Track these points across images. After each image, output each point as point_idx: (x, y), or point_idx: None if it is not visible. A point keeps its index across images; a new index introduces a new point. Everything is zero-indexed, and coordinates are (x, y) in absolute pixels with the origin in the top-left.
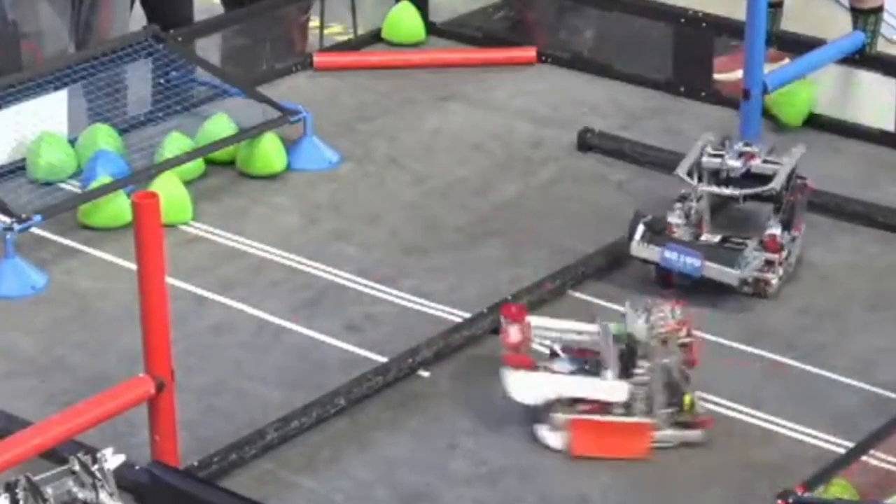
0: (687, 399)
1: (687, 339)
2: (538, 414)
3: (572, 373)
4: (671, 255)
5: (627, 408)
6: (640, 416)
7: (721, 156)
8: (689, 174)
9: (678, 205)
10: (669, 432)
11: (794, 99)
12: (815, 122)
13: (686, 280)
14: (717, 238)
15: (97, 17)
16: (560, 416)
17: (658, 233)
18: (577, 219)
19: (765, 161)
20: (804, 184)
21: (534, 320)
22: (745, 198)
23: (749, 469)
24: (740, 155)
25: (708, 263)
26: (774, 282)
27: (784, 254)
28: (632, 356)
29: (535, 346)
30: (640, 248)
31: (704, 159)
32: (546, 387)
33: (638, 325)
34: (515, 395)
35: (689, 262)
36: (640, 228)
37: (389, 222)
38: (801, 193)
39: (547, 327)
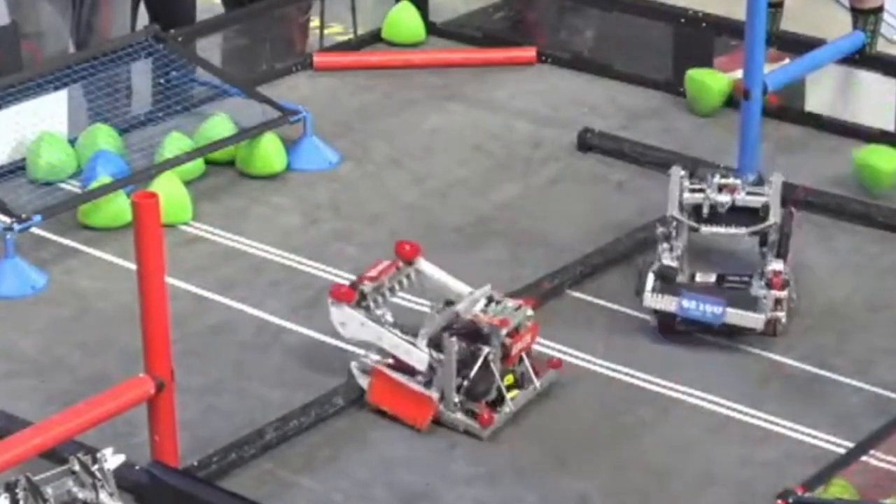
0: (508, 379)
1: (507, 339)
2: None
3: (392, 324)
4: (689, 305)
5: (429, 378)
6: (436, 391)
7: (701, 190)
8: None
9: (665, 245)
10: (459, 416)
11: (709, 91)
12: (815, 122)
13: (693, 326)
14: (712, 278)
15: (98, 18)
16: (369, 360)
17: (669, 281)
18: (577, 219)
19: (748, 193)
20: (791, 212)
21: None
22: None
23: (749, 469)
24: (721, 188)
25: (731, 310)
26: (784, 320)
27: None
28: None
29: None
30: (654, 300)
31: (685, 195)
32: (362, 329)
33: (466, 306)
34: (337, 327)
35: (711, 310)
36: (651, 278)
37: (389, 222)
38: (789, 224)
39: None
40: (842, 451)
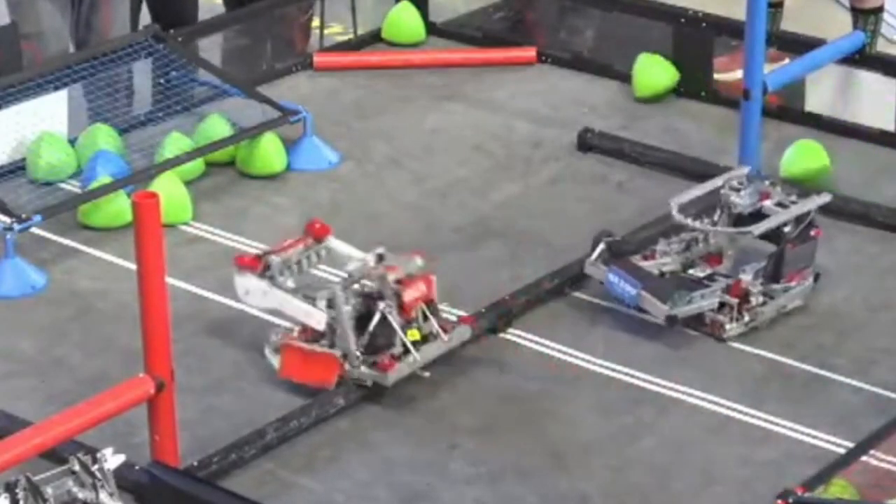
0: (413, 334)
1: (397, 286)
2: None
3: (293, 290)
4: (613, 279)
5: (332, 341)
6: (339, 351)
7: (738, 190)
8: (712, 207)
9: (683, 235)
10: (364, 370)
11: (650, 74)
12: (815, 122)
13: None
14: (702, 273)
15: (98, 17)
16: (275, 339)
17: (618, 255)
18: (577, 219)
19: (778, 203)
20: (808, 233)
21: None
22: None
23: (749, 469)
24: (760, 193)
25: (643, 293)
26: (728, 326)
27: (758, 300)
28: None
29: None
30: (592, 267)
31: (723, 192)
32: (265, 298)
33: (358, 266)
34: (240, 295)
35: (627, 289)
36: (601, 247)
37: (389, 222)
38: (801, 243)
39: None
40: (842, 451)
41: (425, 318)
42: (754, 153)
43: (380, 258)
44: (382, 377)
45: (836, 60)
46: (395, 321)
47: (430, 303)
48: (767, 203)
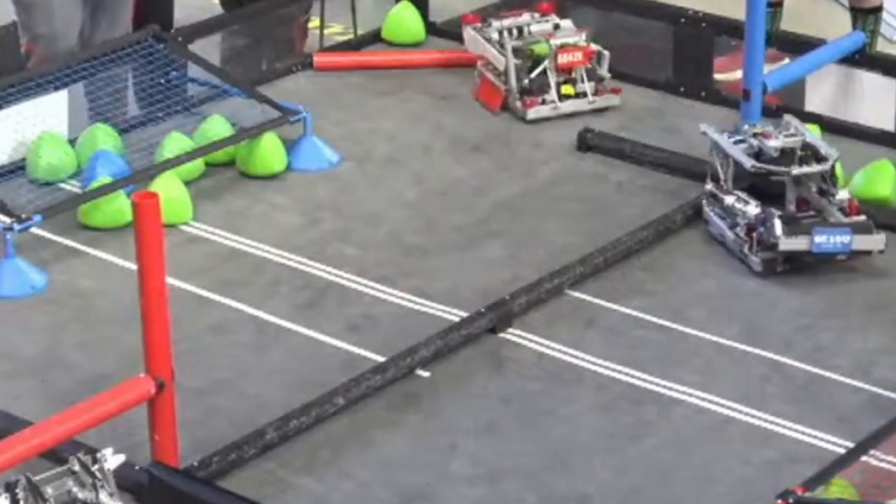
0: (567, 89)
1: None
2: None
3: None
4: (821, 239)
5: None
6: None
7: (742, 140)
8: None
9: (733, 198)
10: (517, 104)
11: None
12: (815, 121)
13: (788, 264)
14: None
15: (106, 16)
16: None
17: (792, 223)
18: (577, 219)
19: (785, 136)
20: None
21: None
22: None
23: (749, 469)
24: (756, 136)
25: (856, 237)
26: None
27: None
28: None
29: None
30: (787, 243)
31: (735, 147)
32: (476, 45)
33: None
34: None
35: (840, 240)
36: (778, 223)
37: (389, 222)
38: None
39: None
40: (842, 451)
41: (584, 80)
42: None
43: (556, 27)
44: (524, 112)
45: (836, 60)
46: (552, 74)
47: (591, 71)
48: (779, 140)
